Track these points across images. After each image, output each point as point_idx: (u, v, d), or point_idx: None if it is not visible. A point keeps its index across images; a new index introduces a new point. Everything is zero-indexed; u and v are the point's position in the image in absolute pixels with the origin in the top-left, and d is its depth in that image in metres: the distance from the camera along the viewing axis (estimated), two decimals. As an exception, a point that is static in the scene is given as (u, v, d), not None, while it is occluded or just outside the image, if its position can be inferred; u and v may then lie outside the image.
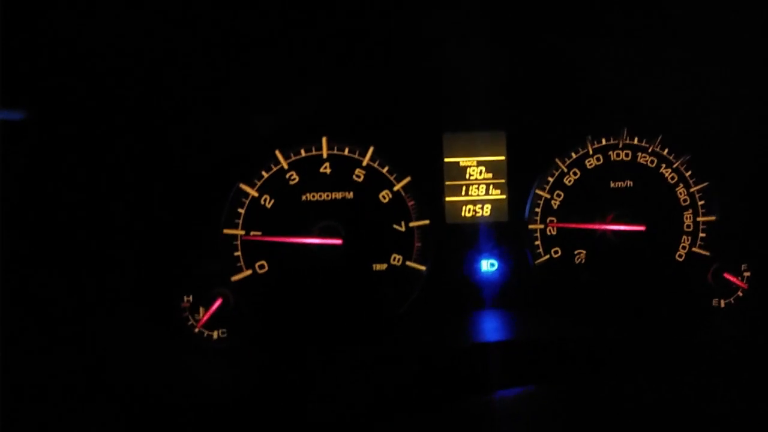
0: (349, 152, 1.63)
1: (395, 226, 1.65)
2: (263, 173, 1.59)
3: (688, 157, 1.70)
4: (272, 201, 1.59)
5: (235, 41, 1.40)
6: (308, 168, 1.61)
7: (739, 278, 1.69)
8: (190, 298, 1.56)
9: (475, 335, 1.54)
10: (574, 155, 1.69)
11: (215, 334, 1.58)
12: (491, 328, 1.58)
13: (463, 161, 1.68)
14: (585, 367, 1.38)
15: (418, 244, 1.66)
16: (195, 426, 1.24)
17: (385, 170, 1.64)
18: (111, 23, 1.24)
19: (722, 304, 1.71)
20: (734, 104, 1.64)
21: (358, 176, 1.63)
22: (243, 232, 1.58)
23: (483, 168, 1.69)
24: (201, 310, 1.56)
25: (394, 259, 1.65)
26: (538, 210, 1.69)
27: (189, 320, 1.57)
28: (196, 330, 1.57)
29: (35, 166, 1.30)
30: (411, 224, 1.65)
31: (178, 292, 1.56)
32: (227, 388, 1.42)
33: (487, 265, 1.69)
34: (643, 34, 1.51)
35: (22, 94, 1.27)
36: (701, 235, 1.72)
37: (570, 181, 1.69)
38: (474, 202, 1.69)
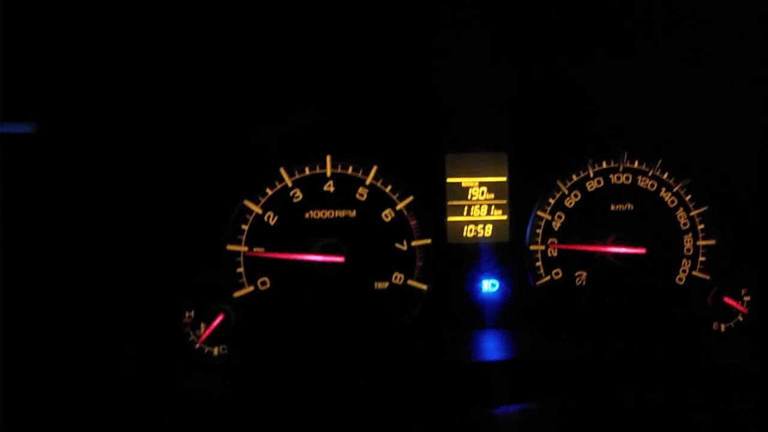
0: (352, 171, 1.64)
1: (397, 245, 1.66)
2: (268, 190, 1.61)
3: (688, 182, 1.72)
4: (276, 218, 1.61)
5: (240, 59, 1.42)
6: (312, 186, 1.63)
7: (740, 302, 1.70)
8: (192, 313, 1.57)
9: (476, 354, 1.54)
10: (575, 177, 1.71)
11: (216, 351, 1.58)
12: (491, 347, 1.58)
13: (465, 182, 1.70)
14: (584, 388, 1.38)
15: (419, 264, 1.67)
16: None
17: (387, 189, 1.65)
18: (117, 39, 1.26)
19: (722, 328, 1.71)
20: (735, 129, 1.66)
21: (361, 195, 1.64)
22: (246, 249, 1.59)
23: (485, 189, 1.70)
24: (202, 326, 1.56)
25: (396, 277, 1.66)
26: (539, 231, 1.71)
27: (190, 336, 1.57)
28: (197, 346, 1.57)
29: (40, 181, 1.31)
30: (413, 243, 1.66)
31: (180, 307, 1.56)
32: (227, 404, 1.41)
33: (488, 285, 1.69)
34: (645, 58, 1.53)
35: (29, 108, 1.29)
36: (701, 258, 1.73)
37: (571, 203, 1.71)
38: (476, 223, 1.70)
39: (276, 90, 1.54)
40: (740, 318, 1.71)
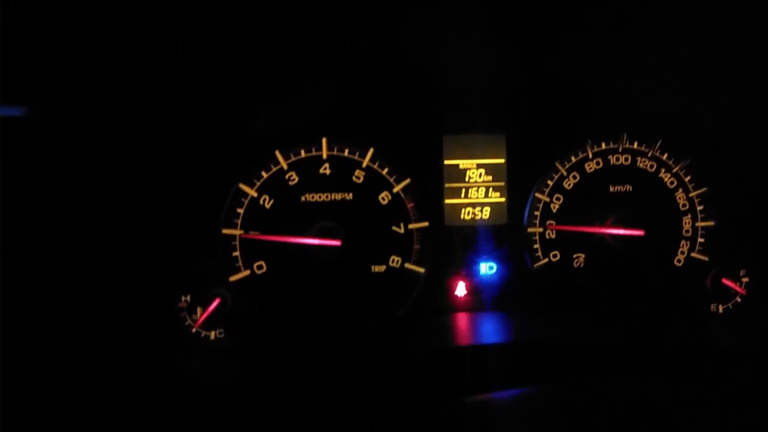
0: (349, 153, 1.62)
1: (394, 228, 1.64)
2: (263, 173, 1.59)
3: (687, 162, 1.70)
4: (271, 201, 1.59)
5: (236, 41, 1.40)
6: (308, 169, 1.61)
7: (738, 284, 1.69)
8: (188, 297, 1.56)
9: (473, 337, 1.54)
10: (573, 159, 1.69)
11: (212, 335, 1.58)
12: (489, 330, 1.58)
13: (462, 164, 1.68)
14: (582, 371, 1.38)
15: (417, 246, 1.66)
16: (192, 425, 1.23)
17: (384, 172, 1.64)
18: (114, 21, 1.24)
19: (720, 310, 1.71)
20: (733, 110, 1.64)
21: (358, 177, 1.63)
22: (242, 232, 1.58)
23: (483, 171, 1.68)
24: (198, 310, 1.56)
25: (393, 260, 1.65)
26: (537, 213, 1.69)
27: (186, 320, 1.56)
28: (194, 330, 1.56)
29: (36, 163, 1.29)
30: (410, 226, 1.65)
31: (176, 292, 1.55)
32: (224, 388, 1.41)
33: (486, 268, 1.68)
34: (644, 39, 1.51)
35: (24, 91, 1.27)
36: (700, 240, 1.72)
37: (569, 185, 1.69)
38: (473, 205, 1.69)
39: (272, 73, 1.52)
40: (738, 299, 1.71)
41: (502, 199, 1.69)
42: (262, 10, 1.31)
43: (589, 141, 1.69)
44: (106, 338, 1.38)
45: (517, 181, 1.69)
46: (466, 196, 1.68)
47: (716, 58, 1.54)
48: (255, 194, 1.58)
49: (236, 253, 1.58)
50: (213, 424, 1.23)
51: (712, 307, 1.71)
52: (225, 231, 1.57)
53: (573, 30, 1.49)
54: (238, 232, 1.57)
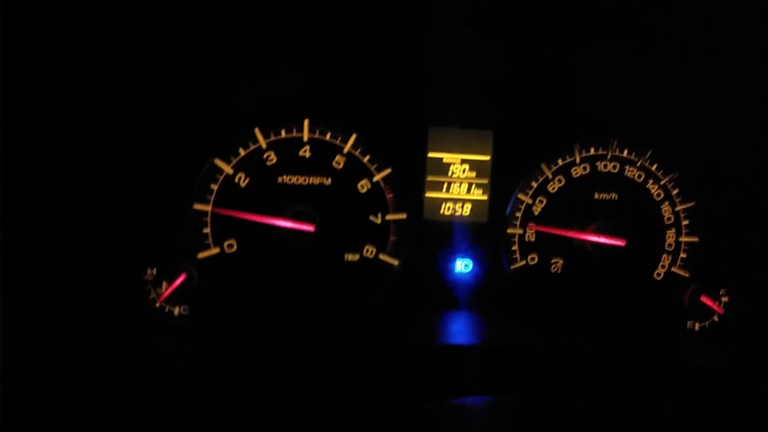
0: (330, 137, 1.58)
1: (371, 218, 1.61)
2: (240, 150, 1.54)
3: (676, 175, 1.66)
4: (247, 180, 1.55)
5: (220, 10, 1.36)
6: (287, 150, 1.57)
7: (716, 302, 1.66)
8: (154, 271, 1.53)
9: (441, 336, 1.51)
10: (560, 162, 1.65)
11: (177, 311, 1.55)
12: (458, 330, 1.55)
13: (447, 157, 1.64)
14: (550, 379, 1.35)
15: (392, 238, 1.62)
16: (150, 400, 1.21)
17: (365, 159, 1.60)
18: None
19: (696, 327, 1.68)
20: (727, 125, 1.60)
21: (338, 163, 1.59)
22: (213, 209, 1.54)
23: (467, 166, 1.64)
24: (164, 284, 1.52)
25: (367, 250, 1.62)
26: (518, 214, 1.66)
27: (151, 293, 1.53)
28: (158, 305, 1.53)
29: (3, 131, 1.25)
30: (387, 217, 1.61)
31: (142, 264, 1.52)
32: (182, 366, 1.39)
33: (462, 266, 1.65)
34: (641, 47, 1.47)
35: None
36: (682, 255, 1.69)
37: (554, 188, 1.65)
38: (454, 200, 1.65)
39: (256, 47, 1.47)
40: (716, 318, 1.68)
41: (484, 197, 1.65)
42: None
43: (578, 145, 1.65)
44: (68, 306, 1.35)
45: (500, 180, 1.65)
46: (447, 191, 1.64)
47: (711, 73, 1.51)
48: (230, 171, 1.54)
49: (207, 230, 1.54)
50: (169, 400, 1.21)
51: (689, 324, 1.68)
52: (196, 206, 1.53)
53: (570, 32, 1.45)
54: (209, 208, 1.53)
